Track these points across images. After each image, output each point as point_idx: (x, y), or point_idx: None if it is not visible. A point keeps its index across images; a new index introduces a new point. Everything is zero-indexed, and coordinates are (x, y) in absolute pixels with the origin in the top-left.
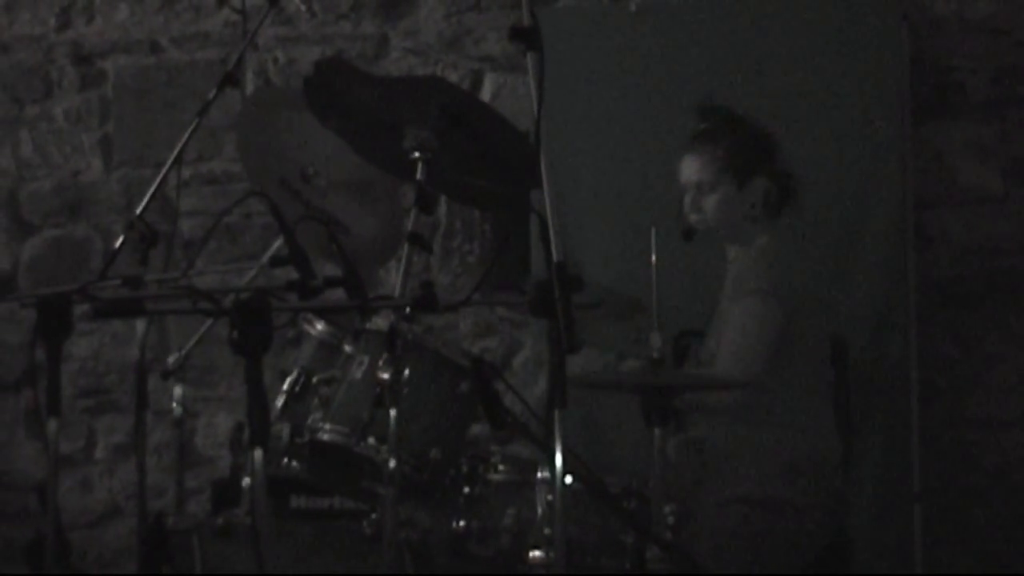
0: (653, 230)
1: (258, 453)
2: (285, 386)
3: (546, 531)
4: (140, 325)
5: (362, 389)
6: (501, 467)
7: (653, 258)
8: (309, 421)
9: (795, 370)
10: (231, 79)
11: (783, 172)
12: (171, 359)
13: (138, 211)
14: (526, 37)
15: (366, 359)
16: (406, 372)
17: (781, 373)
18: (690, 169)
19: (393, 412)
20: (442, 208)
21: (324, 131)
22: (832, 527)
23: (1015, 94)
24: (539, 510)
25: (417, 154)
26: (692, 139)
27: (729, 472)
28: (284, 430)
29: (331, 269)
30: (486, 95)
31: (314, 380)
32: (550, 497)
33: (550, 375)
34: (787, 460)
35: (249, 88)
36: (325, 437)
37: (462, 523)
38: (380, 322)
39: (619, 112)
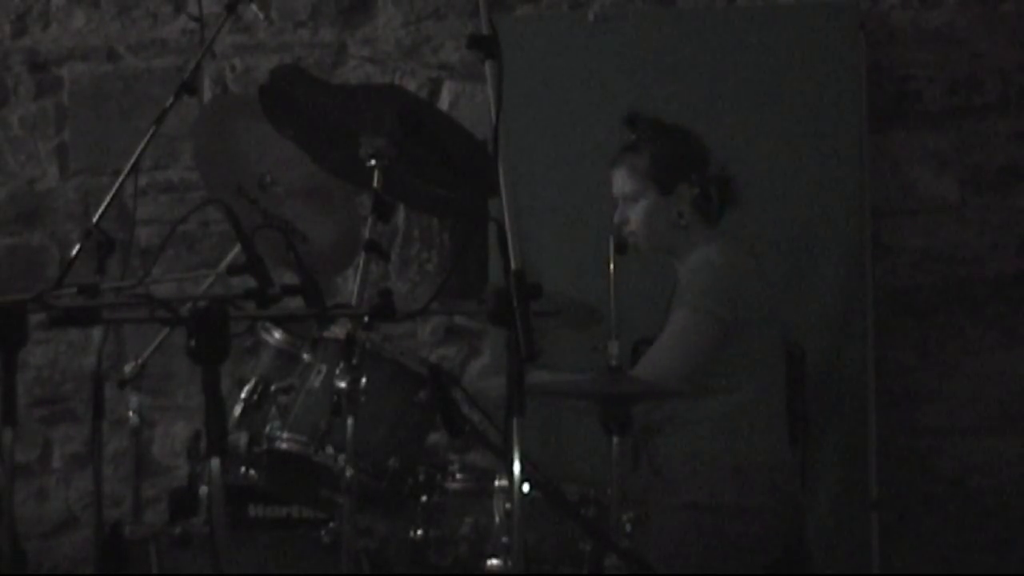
0: (611, 237)
1: (215, 462)
2: (243, 395)
3: (504, 539)
4: (97, 334)
5: (320, 398)
6: (459, 476)
7: (611, 266)
8: (267, 430)
9: (748, 377)
10: (188, 87)
11: (717, 177)
12: (128, 368)
13: (95, 219)
14: (485, 45)
15: (324, 367)
16: (364, 381)
17: (733, 380)
18: (618, 182)
19: (351, 421)
20: (400, 216)
21: (281, 139)
22: (787, 533)
23: (971, 103)
24: (497, 518)
25: (374, 162)
26: (620, 151)
27: (680, 478)
28: (242, 439)
29: (289, 277)
30: (444, 103)
31: (272, 389)
32: (508, 505)
33: (508, 383)
34: (738, 466)
35: (207, 96)
36: (283, 446)
37: (420, 532)
38: (338, 330)
39: (577, 120)
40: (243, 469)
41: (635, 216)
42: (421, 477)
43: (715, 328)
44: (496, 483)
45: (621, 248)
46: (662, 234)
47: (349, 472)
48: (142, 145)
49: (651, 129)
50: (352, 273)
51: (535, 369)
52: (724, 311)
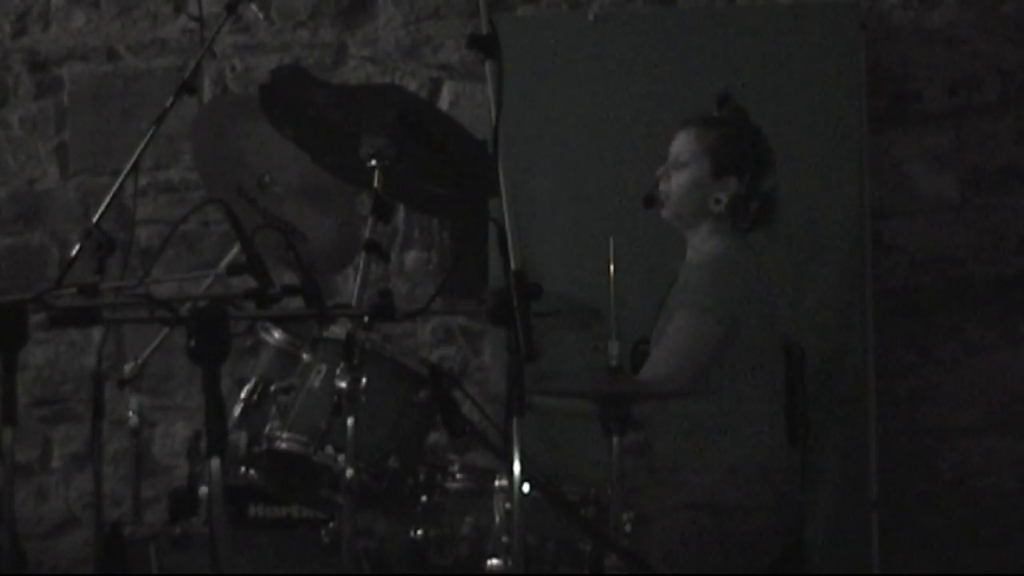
0: (611, 238)
1: (215, 462)
2: (243, 395)
3: (504, 539)
4: (97, 334)
5: (320, 398)
6: (459, 475)
7: (611, 266)
8: (267, 430)
9: (745, 377)
10: (188, 87)
11: (765, 194)
12: (128, 368)
13: (94, 219)
14: (484, 45)
15: (324, 367)
16: (364, 381)
17: (731, 380)
18: (678, 142)
19: (350, 421)
20: (400, 216)
21: (281, 139)
22: (787, 533)
23: (972, 103)
24: (497, 518)
25: (374, 162)
26: (696, 117)
27: (678, 479)
28: (242, 439)
29: (289, 277)
30: (444, 103)
31: (272, 389)
32: (508, 505)
33: (508, 383)
34: (736, 466)
35: (207, 96)
36: (283, 446)
37: (420, 532)
38: (338, 330)
39: (577, 120)
40: (243, 469)
41: (676, 180)
42: (421, 477)
43: (718, 328)
44: (496, 483)
45: (650, 202)
46: (692, 209)
47: (349, 472)
48: (142, 145)
49: (736, 117)
50: (352, 273)
51: (538, 396)
52: (725, 311)
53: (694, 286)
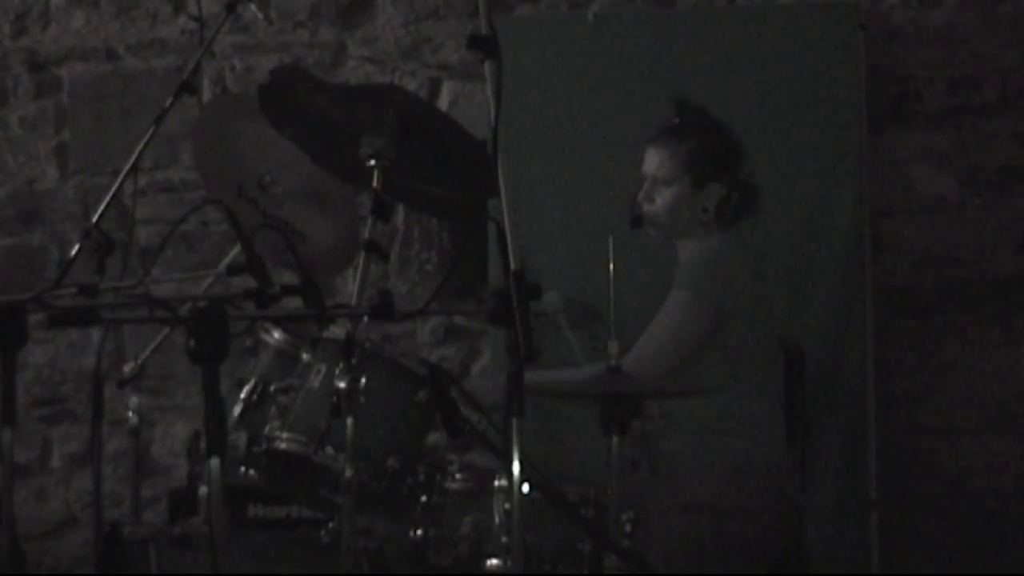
0: (610, 238)
1: (215, 462)
2: (242, 395)
3: (504, 539)
4: (96, 334)
5: (320, 398)
6: (458, 476)
7: (611, 266)
8: (266, 430)
9: (744, 376)
10: (188, 87)
11: (745, 182)
12: (127, 368)
13: (94, 219)
14: (484, 45)
15: (323, 368)
16: (363, 381)
17: (730, 379)
18: (652, 161)
19: (350, 421)
20: (399, 216)
21: (281, 139)
22: (786, 533)
23: (971, 103)
24: (497, 518)
25: (374, 162)
26: (660, 131)
27: (678, 479)
28: (241, 439)
29: (288, 277)
30: (444, 103)
31: (271, 389)
32: (507, 505)
33: (508, 384)
34: (735, 466)
35: (206, 96)
36: (283, 446)
37: (419, 532)
38: (337, 330)
39: (577, 120)
40: (243, 469)
41: (661, 199)
42: (421, 477)
43: (707, 311)
44: (496, 483)
45: (636, 223)
46: (682, 223)
47: (349, 472)
48: (141, 145)
49: (698, 119)
50: (352, 273)
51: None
52: (715, 295)
53: (687, 272)
